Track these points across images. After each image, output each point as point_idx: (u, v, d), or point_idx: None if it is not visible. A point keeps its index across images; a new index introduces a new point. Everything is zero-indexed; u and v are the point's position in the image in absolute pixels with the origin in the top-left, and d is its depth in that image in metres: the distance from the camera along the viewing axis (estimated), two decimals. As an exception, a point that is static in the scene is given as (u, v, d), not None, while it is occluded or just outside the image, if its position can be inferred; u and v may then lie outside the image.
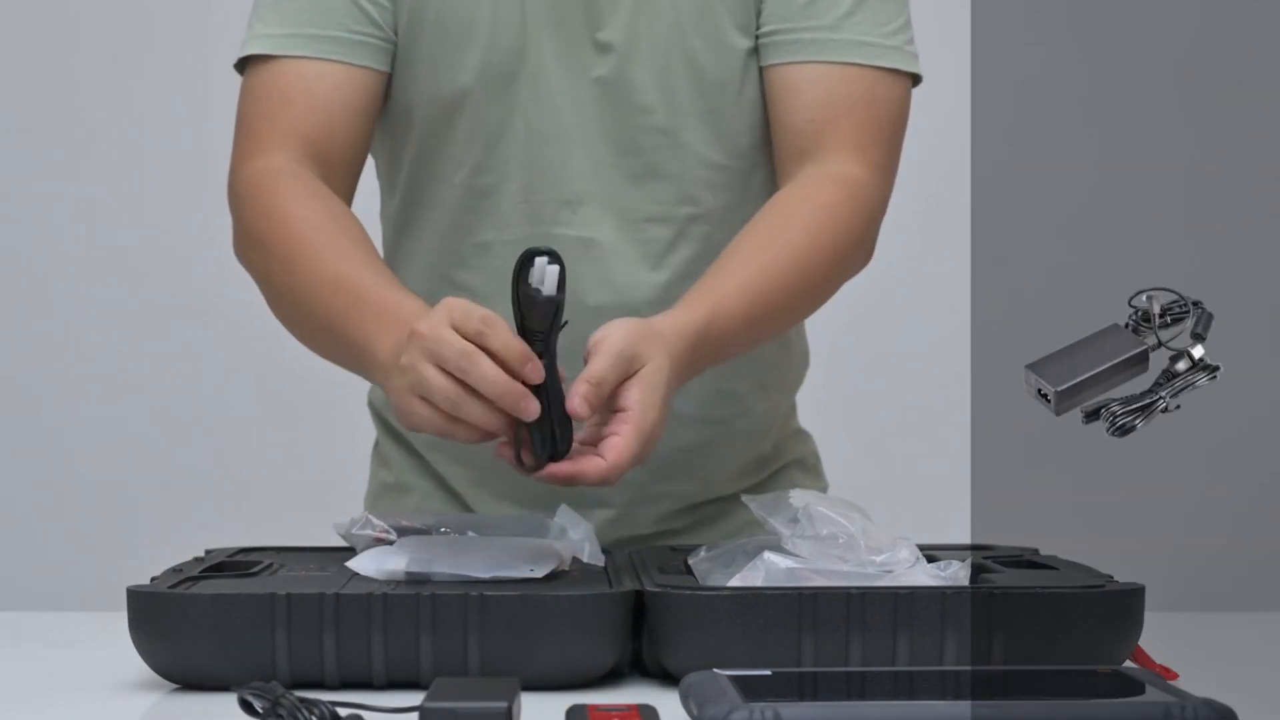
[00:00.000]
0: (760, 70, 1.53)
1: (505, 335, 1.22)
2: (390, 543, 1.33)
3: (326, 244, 1.41)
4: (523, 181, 1.52)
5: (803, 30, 1.51)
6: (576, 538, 1.34)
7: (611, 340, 1.29)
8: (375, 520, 1.36)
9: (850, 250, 1.50)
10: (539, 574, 1.25)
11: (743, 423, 1.61)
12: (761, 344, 1.51)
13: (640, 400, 1.28)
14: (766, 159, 1.56)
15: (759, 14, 1.52)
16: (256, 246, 1.46)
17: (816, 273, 1.47)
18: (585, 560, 1.32)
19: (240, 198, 1.48)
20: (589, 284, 1.50)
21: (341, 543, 1.38)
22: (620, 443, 1.27)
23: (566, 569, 1.29)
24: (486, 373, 1.21)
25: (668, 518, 1.60)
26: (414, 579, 1.23)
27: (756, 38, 1.52)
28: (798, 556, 1.25)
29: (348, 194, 1.52)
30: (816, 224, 1.47)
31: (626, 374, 1.28)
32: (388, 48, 1.51)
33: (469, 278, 1.54)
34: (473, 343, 1.22)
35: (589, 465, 1.27)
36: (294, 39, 1.49)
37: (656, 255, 1.53)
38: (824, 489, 1.72)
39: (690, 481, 1.60)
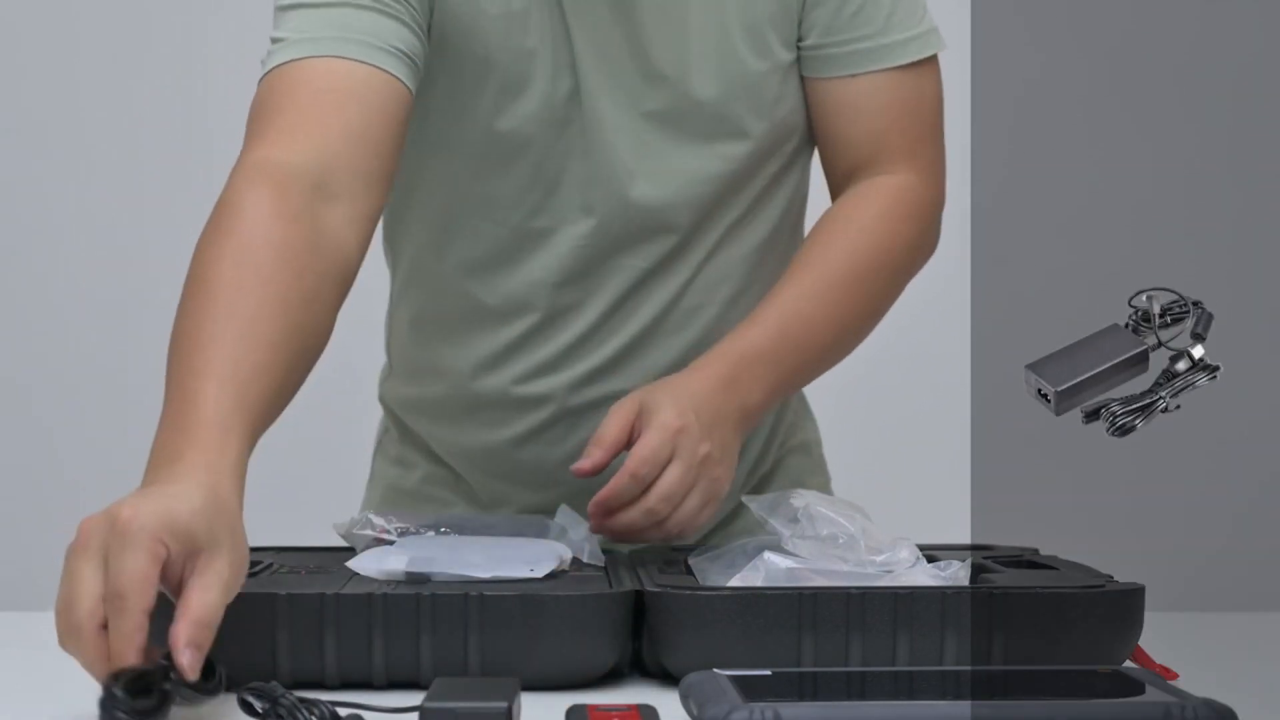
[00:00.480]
0: (803, 81, 1.53)
1: (94, 657, 1.05)
2: (390, 543, 1.33)
3: (233, 289, 1.23)
4: (583, 223, 1.50)
5: (858, 40, 1.51)
6: (576, 538, 1.35)
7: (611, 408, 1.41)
8: (375, 520, 1.36)
9: (902, 253, 1.54)
10: (539, 574, 1.24)
11: None
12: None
13: (650, 412, 1.37)
14: (786, 161, 1.56)
15: (800, 24, 1.51)
16: (201, 239, 1.28)
17: (854, 277, 1.50)
18: (585, 560, 1.32)
19: (225, 187, 1.32)
20: (649, 305, 1.53)
21: (341, 543, 1.38)
22: (638, 442, 1.35)
23: (566, 569, 1.29)
24: (82, 650, 1.06)
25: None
26: (414, 579, 1.23)
27: (799, 49, 1.52)
28: (798, 556, 1.25)
29: (366, 217, 1.34)
30: (856, 231, 1.51)
31: (626, 416, 1.38)
32: (418, 73, 1.43)
33: (511, 313, 1.54)
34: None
35: (616, 478, 1.35)
36: (328, 42, 1.38)
37: (697, 264, 1.54)
38: (826, 481, 1.72)
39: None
